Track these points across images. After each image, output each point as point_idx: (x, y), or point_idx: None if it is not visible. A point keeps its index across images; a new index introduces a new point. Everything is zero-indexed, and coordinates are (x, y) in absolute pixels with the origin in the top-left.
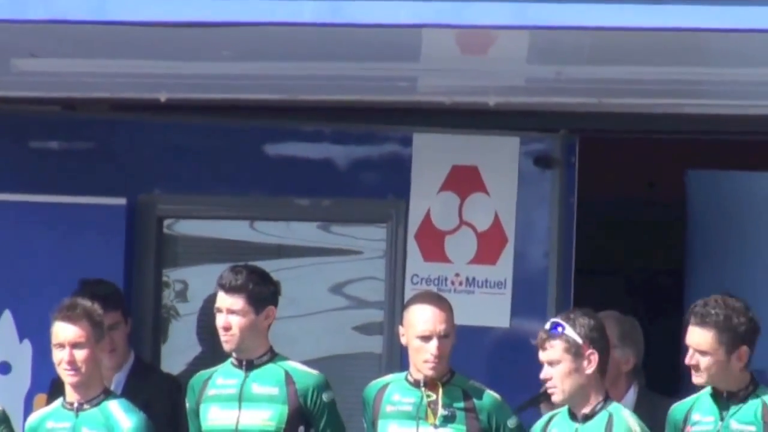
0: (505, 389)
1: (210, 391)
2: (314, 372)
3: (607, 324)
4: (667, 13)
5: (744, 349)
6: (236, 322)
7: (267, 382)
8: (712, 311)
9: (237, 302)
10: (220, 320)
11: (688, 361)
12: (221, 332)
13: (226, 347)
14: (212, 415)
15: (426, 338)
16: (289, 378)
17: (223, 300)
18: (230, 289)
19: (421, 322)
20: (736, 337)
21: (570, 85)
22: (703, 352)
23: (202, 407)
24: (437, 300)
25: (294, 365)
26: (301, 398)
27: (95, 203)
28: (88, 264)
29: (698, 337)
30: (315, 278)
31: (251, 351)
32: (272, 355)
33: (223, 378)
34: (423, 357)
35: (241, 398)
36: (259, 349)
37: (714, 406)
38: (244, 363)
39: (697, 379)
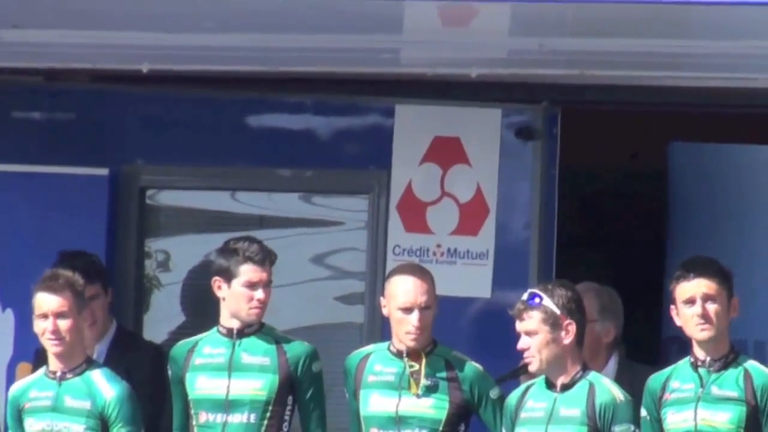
0: (486, 359)
1: (197, 360)
2: (305, 342)
3: (587, 297)
4: None
5: (736, 300)
6: (269, 293)
7: (257, 352)
8: (709, 262)
9: (267, 274)
10: (259, 293)
11: (701, 312)
12: (257, 303)
13: (256, 318)
14: (200, 384)
15: (407, 310)
16: (280, 348)
17: (260, 273)
18: (260, 262)
19: (402, 293)
20: (731, 287)
21: (552, 57)
22: (713, 299)
23: (188, 376)
24: (419, 271)
25: (283, 335)
26: (292, 367)
27: (78, 173)
28: (71, 234)
29: (705, 285)
30: (297, 249)
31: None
32: (261, 325)
33: (211, 347)
34: (405, 328)
35: (230, 367)
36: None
37: (694, 374)
38: (234, 332)
39: (707, 332)
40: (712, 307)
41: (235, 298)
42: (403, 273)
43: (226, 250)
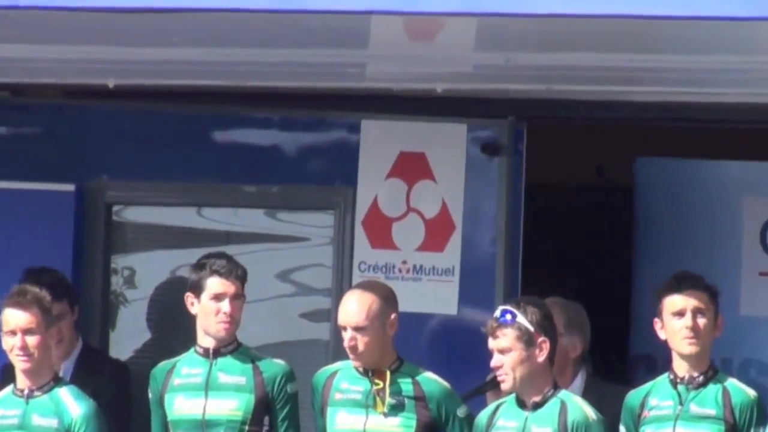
0: (452, 376)
1: (175, 381)
2: (281, 362)
3: (553, 311)
4: (615, 0)
5: (721, 318)
6: (237, 306)
7: (234, 372)
8: (699, 277)
9: (235, 287)
10: (225, 306)
11: (691, 325)
12: (224, 317)
13: (225, 333)
14: (178, 404)
15: (343, 329)
16: (256, 367)
17: (227, 286)
18: (226, 274)
19: (340, 312)
20: (718, 305)
21: (518, 72)
22: (702, 313)
23: (167, 397)
24: (360, 292)
25: (260, 355)
26: (268, 387)
27: (44, 189)
28: (37, 250)
29: (696, 297)
30: (262, 265)
31: (227, 339)
32: (237, 344)
33: (188, 367)
34: (345, 345)
35: (207, 387)
36: (230, 337)
37: (673, 391)
38: (211, 352)
39: (693, 347)
40: (701, 321)
41: (204, 312)
42: (349, 292)
43: (197, 266)
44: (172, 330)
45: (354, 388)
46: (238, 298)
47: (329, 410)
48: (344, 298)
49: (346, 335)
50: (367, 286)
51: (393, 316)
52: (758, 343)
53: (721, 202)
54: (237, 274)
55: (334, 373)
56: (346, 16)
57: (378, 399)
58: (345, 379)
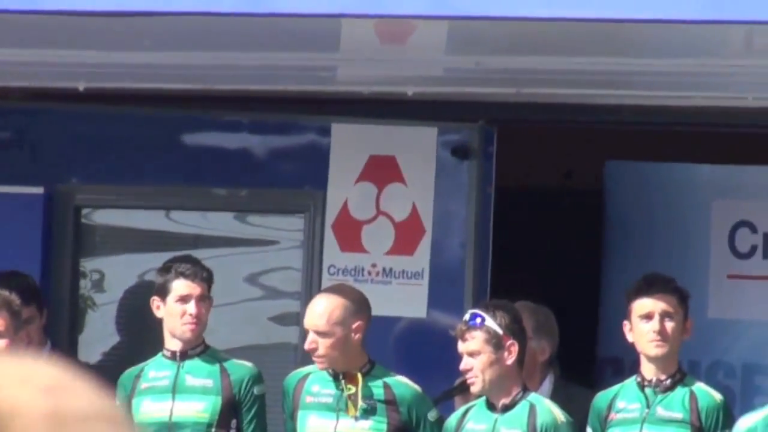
0: (422, 379)
1: (142, 385)
2: (248, 364)
3: (522, 316)
4: (586, 3)
5: (690, 322)
6: (204, 308)
7: (201, 374)
8: (669, 280)
9: (201, 288)
10: (191, 308)
11: (658, 328)
12: (190, 319)
13: (191, 335)
14: (145, 408)
15: (306, 331)
16: (223, 369)
17: (192, 288)
18: (191, 276)
19: (305, 315)
20: (687, 308)
21: (489, 75)
22: (670, 316)
23: (135, 401)
24: (326, 296)
25: (228, 357)
26: (235, 389)
27: (12, 192)
28: (5, 253)
29: (665, 301)
30: (231, 268)
31: (194, 342)
32: (205, 347)
33: (156, 370)
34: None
35: (174, 390)
36: (197, 339)
37: (640, 393)
38: (178, 354)
39: (660, 349)
40: (669, 325)
41: (170, 315)
42: (316, 296)
43: (162, 269)
44: (140, 333)
45: (325, 392)
46: (204, 300)
47: (300, 414)
48: (311, 301)
49: (308, 338)
50: (334, 290)
51: (358, 323)
52: (726, 345)
53: (691, 205)
54: (202, 276)
55: (305, 377)
56: (316, 20)
57: (350, 403)
58: (316, 383)
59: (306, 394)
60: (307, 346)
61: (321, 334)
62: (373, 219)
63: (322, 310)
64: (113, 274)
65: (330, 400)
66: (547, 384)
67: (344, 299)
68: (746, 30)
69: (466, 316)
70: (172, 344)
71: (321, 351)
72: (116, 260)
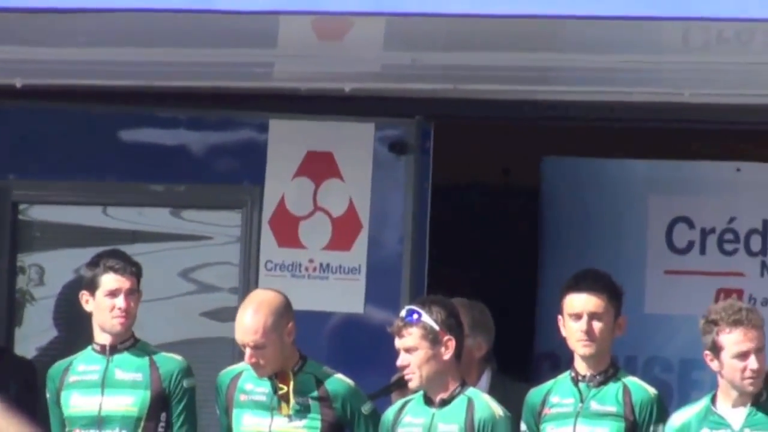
0: (359, 375)
1: (71, 378)
2: (178, 357)
3: (458, 312)
4: (523, 0)
5: (623, 318)
6: (133, 302)
7: (130, 368)
8: (600, 277)
9: (130, 282)
10: (120, 302)
11: (585, 329)
12: (120, 312)
13: (121, 328)
14: (74, 401)
15: (242, 346)
16: (152, 363)
17: (121, 282)
18: (120, 270)
19: (236, 330)
20: (620, 305)
21: (426, 72)
22: (599, 317)
23: (63, 395)
24: (254, 310)
25: (157, 350)
26: (165, 382)
27: None
28: None
29: (593, 302)
30: (169, 263)
31: (123, 335)
32: (135, 341)
33: (85, 364)
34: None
35: (103, 384)
36: (127, 333)
37: (574, 388)
38: (108, 348)
39: (588, 349)
40: (597, 325)
41: (100, 309)
42: (242, 306)
43: (90, 264)
44: (78, 328)
45: (258, 390)
46: (133, 293)
47: (234, 411)
48: (239, 315)
49: (246, 352)
50: (259, 301)
51: (290, 324)
52: (663, 340)
53: (628, 201)
54: (131, 270)
55: (238, 374)
56: (254, 17)
57: (282, 402)
58: (249, 381)
59: (240, 392)
60: (248, 360)
61: (258, 347)
62: (310, 214)
63: (256, 325)
64: (51, 269)
65: (264, 398)
66: (485, 380)
67: (271, 308)
68: (682, 26)
69: (403, 313)
70: (102, 338)
71: (262, 362)
72: (54, 255)
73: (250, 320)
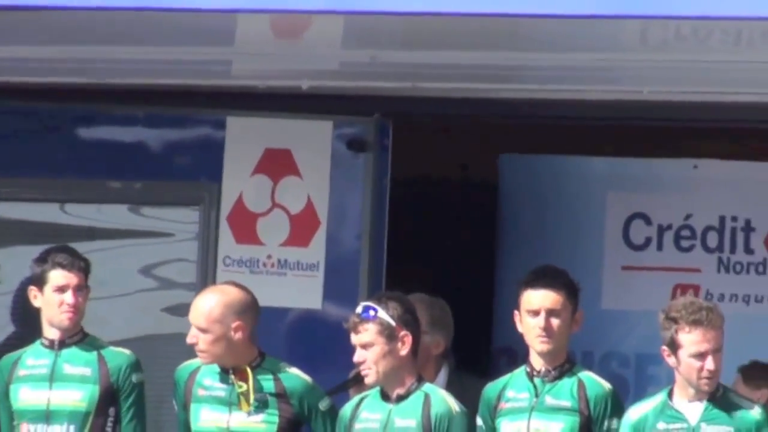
0: (317, 371)
1: (20, 372)
2: (126, 351)
3: (418, 309)
4: None
5: (580, 314)
6: (81, 297)
7: (78, 362)
8: (558, 273)
9: (78, 278)
10: (68, 297)
11: (544, 325)
12: (68, 308)
13: (69, 323)
14: (23, 395)
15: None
16: (101, 357)
17: (69, 278)
18: (68, 266)
19: (190, 310)
20: (577, 301)
21: (384, 69)
22: (557, 313)
23: (12, 388)
24: (209, 294)
25: (106, 345)
26: (113, 377)
27: None
28: None
29: (551, 298)
30: (126, 260)
31: (72, 330)
32: (83, 335)
33: (34, 358)
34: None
35: (52, 378)
36: (75, 328)
37: (529, 383)
38: (56, 343)
39: (546, 345)
40: (555, 322)
41: (48, 304)
42: (203, 290)
43: (39, 259)
44: (35, 324)
45: (217, 385)
46: (81, 289)
47: (193, 406)
48: (196, 296)
49: (190, 332)
50: (219, 289)
51: (238, 323)
52: (619, 336)
53: (585, 197)
54: (79, 266)
55: (197, 369)
56: (212, 15)
57: (242, 399)
58: (208, 376)
59: (198, 386)
60: (188, 339)
61: (201, 330)
62: (268, 211)
63: (202, 308)
64: (8, 266)
65: (223, 394)
66: (442, 376)
67: (226, 299)
68: (640, 24)
69: (359, 309)
70: (50, 333)
71: (201, 346)
72: (11, 252)
73: (200, 302)
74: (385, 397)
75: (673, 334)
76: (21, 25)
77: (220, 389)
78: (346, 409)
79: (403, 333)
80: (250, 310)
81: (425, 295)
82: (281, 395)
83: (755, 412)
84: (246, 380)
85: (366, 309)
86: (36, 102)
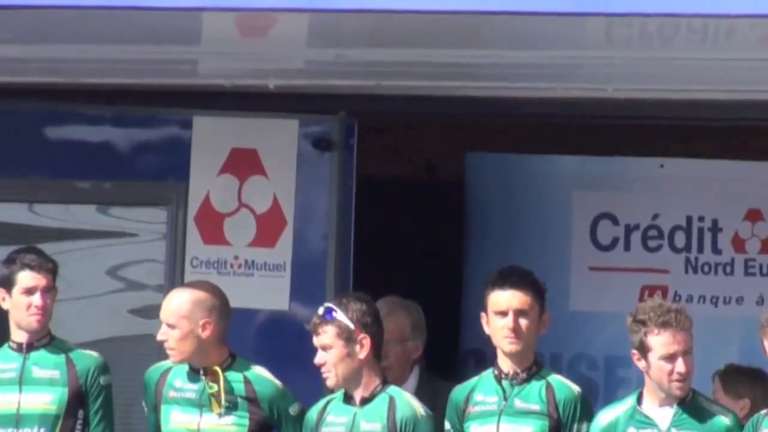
0: (284, 372)
1: None
2: (94, 354)
3: (399, 315)
4: None
5: (547, 315)
6: (49, 299)
7: (47, 365)
8: (525, 274)
9: (46, 280)
10: (37, 299)
11: (512, 326)
12: (36, 310)
13: (37, 325)
14: None
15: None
16: (69, 360)
17: (38, 279)
18: (36, 268)
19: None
20: (544, 302)
21: (349, 68)
22: (524, 314)
23: None
24: (179, 290)
25: (74, 347)
26: (81, 379)
27: None
28: None
29: (519, 298)
30: (94, 261)
31: (40, 333)
32: (51, 338)
33: (2, 362)
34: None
35: (21, 382)
36: (43, 330)
37: (497, 386)
38: (24, 346)
39: (514, 346)
40: (523, 322)
41: (16, 307)
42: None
43: (7, 261)
44: (2, 326)
45: (188, 387)
46: (49, 291)
47: (163, 408)
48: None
49: (160, 329)
50: (189, 285)
51: (205, 320)
52: (588, 337)
53: (552, 196)
54: (48, 267)
55: (167, 371)
56: (177, 13)
57: (213, 400)
58: (178, 377)
59: (169, 388)
60: (158, 336)
61: (170, 326)
62: (235, 211)
63: (172, 304)
64: None
65: (193, 395)
66: (413, 377)
67: (195, 296)
68: (605, 21)
69: (320, 310)
70: (18, 336)
71: (170, 343)
72: None
73: (169, 298)
74: (348, 400)
75: (642, 337)
76: None
77: (190, 391)
78: (312, 413)
79: (361, 336)
80: (220, 309)
81: (401, 299)
82: (251, 399)
83: (726, 419)
84: (217, 381)
85: (327, 311)
86: (2, 101)
